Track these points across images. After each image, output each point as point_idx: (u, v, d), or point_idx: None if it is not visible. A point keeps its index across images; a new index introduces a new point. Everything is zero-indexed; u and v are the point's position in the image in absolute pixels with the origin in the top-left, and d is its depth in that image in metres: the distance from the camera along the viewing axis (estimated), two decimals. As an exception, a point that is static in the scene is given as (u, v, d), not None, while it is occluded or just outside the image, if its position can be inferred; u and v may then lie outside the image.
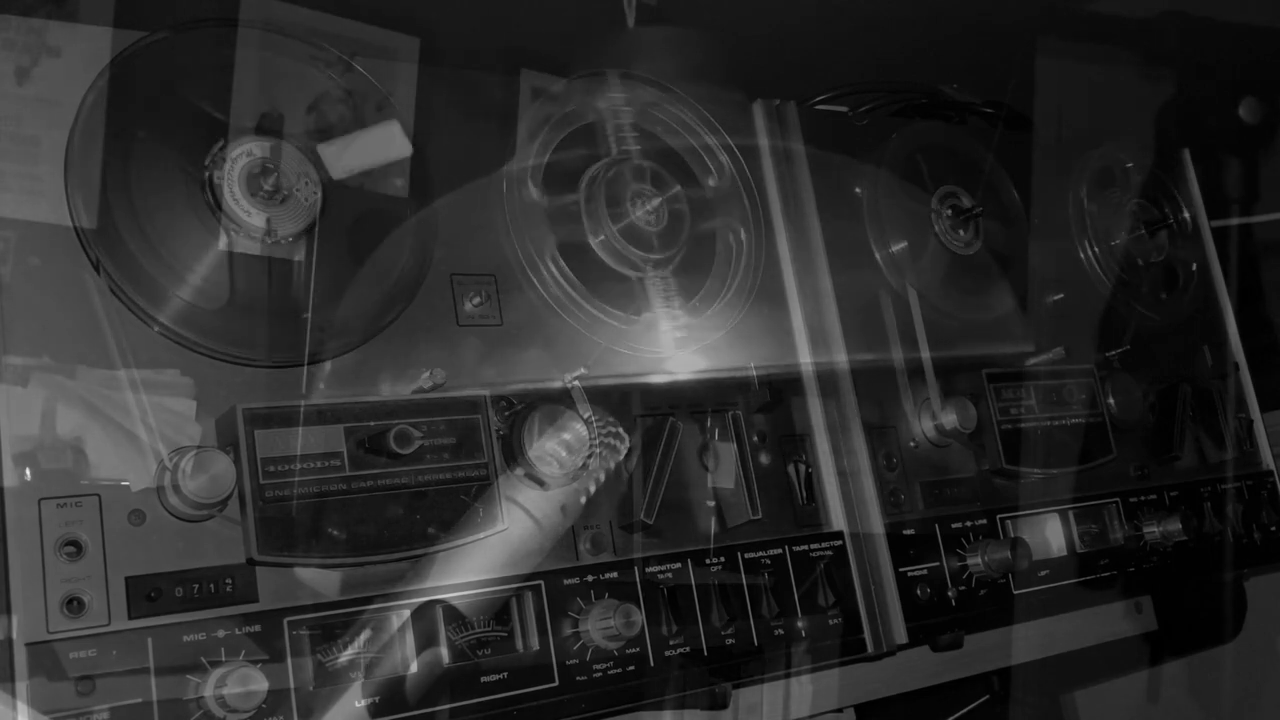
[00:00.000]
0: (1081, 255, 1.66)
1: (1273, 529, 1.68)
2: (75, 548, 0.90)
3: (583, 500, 1.12)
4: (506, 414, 1.09)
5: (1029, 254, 1.58)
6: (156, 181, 0.99)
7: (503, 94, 1.23)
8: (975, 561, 1.35)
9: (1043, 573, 1.42)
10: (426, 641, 0.99)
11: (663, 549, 1.15)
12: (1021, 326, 1.53)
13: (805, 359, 1.33)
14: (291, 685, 0.93)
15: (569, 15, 1.42)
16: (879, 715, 1.47)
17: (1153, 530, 1.53)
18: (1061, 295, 1.61)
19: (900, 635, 1.28)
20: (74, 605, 0.88)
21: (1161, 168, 1.81)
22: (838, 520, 1.29)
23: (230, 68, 1.05)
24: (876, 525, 1.30)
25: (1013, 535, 1.40)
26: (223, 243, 1.01)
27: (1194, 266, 1.79)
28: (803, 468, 1.28)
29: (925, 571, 1.32)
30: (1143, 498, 1.56)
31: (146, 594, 0.91)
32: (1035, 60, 1.67)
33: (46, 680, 0.85)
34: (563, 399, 1.12)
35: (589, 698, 1.07)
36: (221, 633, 0.92)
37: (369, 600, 0.99)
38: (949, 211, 1.51)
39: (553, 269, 1.19)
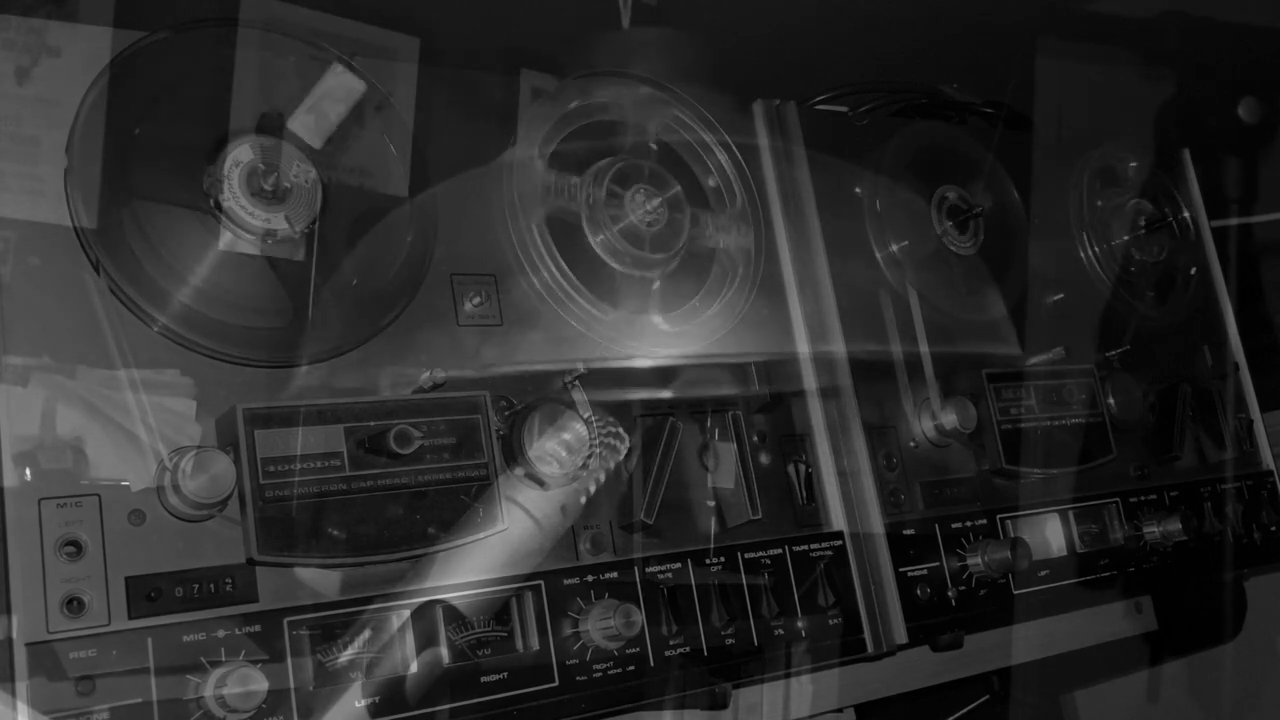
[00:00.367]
0: (1081, 255, 1.66)
1: (1273, 529, 1.68)
2: (75, 548, 0.90)
3: (583, 500, 1.12)
4: (506, 414, 1.09)
5: (1029, 254, 1.58)
6: (156, 181, 0.99)
7: (503, 94, 1.23)
8: (975, 561, 1.35)
9: (1043, 573, 1.42)
10: (426, 641, 0.99)
11: (663, 549, 1.15)
12: (1021, 326, 1.53)
13: (805, 358, 1.33)
14: (291, 685, 0.93)
15: (569, 15, 1.42)
16: (879, 715, 1.47)
17: (1153, 530, 1.53)
18: (1061, 295, 1.61)
19: (900, 635, 1.28)
20: (74, 605, 0.88)
21: (1161, 168, 1.81)
22: (838, 520, 1.29)
23: (230, 68, 1.05)
24: (876, 525, 1.30)
25: (1013, 535, 1.40)
26: (223, 243, 1.01)
27: (1194, 267, 1.79)
28: (803, 468, 1.28)
29: (925, 571, 1.32)
30: (1143, 498, 1.56)
31: (146, 594, 0.91)
32: (1035, 60, 1.67)
33: (46, 680, 0.85)
34: (563, 399, 1.12)
35: (589, 698, 1.07)
36: (221, 633, 0.92)
37: (369, 600, 0.99)
38: (949, 211, 1.51)
39: (552, 270, 1.19)
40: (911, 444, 1.38)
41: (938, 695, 1.51)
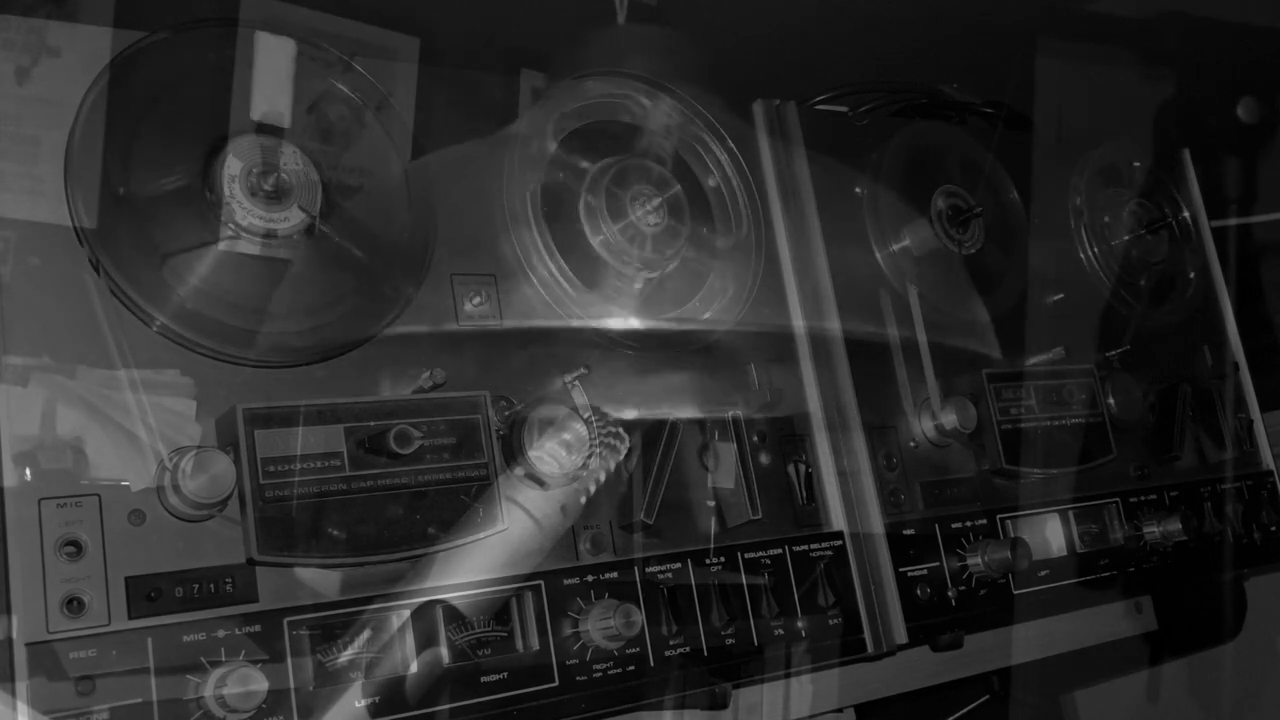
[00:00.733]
0: (1081, 255, 1.66)
1: (1273, 529, 1.68)
2: (75, 548, 0.90)
3: (583, 500, 1.12)
4: (506, 414, 1.09)
5: (1029, 254, 1.58)
6: (156, 182, 0.99)
7: (503, 94, 1.23)
8: (975, 561, 1.35)
9: (1043, 573, 1.42)
10: (426, 641, 0.99)
11: (663, 549, 1.15)
12: (1021, 326, 1.53)
13: (805, 358, 1.33)
14: (291, 685, 0.93)
15: (569, 15, 1.42)
16: (879, 715, 1.47)
17: (1153, 530, 1.53)
18: (1061, 295, 1.61)
19: (900, 635, 1.28)
20: (74, 605, 0.88)
21: (1161, 168, 1.81)
22: (838, 520, 1.29)
23: (230, 68, 1.05)
24: (876, 525, 1.30)
25: (1013, 535, 1.40)
26: (223, 243, 1.01)
27: (1194, 267, 1.79)
28: (803, 468, 1.28)
29: (925, 571, 1.32)
30: (1143, 498, 1.56)
31: (146, 594, 0.91)
32: (1035, 60, 1.67)
33: (46, 680, 0.85)
34: (563, 399, 1.12)
35: (589, 698, 1.07)
36: (221, 633, 0.92)
37: (369, 600, 0.99)
38: (949, 211, 1.51)
39: (550, 266, 1.19)
40: (911, 444, 1.38)
41: (938, 695, 1.51)
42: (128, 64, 1.00)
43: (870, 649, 1.25)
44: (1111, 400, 1.52)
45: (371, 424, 0.99)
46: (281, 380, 1.02)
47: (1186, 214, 1.82)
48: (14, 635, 0.86)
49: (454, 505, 1.01)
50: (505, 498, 1.05)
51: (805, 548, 1.24)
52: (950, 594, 1.33)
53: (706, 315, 1.28)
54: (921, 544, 1.33)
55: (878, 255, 1.44)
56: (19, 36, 0.97)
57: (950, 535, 1.35)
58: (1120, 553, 1.50)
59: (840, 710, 1.38)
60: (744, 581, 1.19)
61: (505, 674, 1.03)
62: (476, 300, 1.14)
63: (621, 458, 1.14)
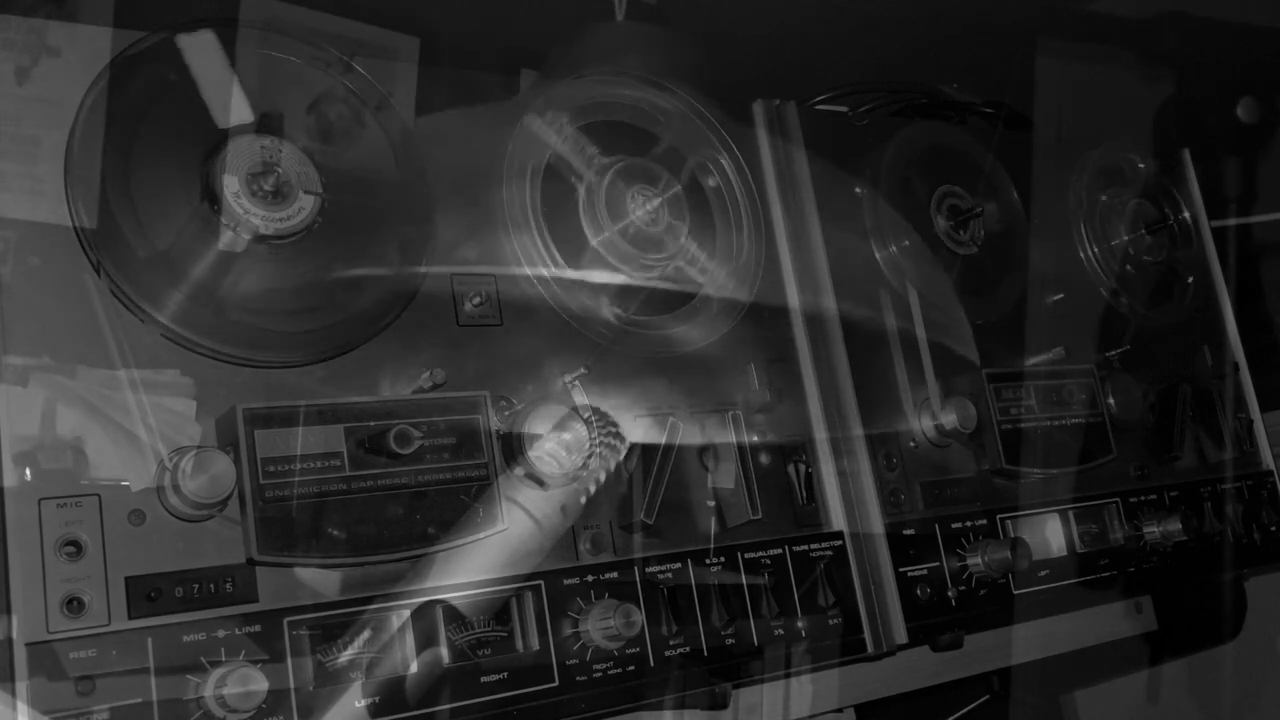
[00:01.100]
0: (1081, 255, 1.66)
1: (1273, 529, 1.68)
2: (75, 548, 0.90)
3: (583, 500, 1.12)
4: (506, 414, 1.09)
5: (1029, 254, 1.58)
6: (156, 181, 0.99)
7: (503, 94, 1.23)
8: (975, 561, 1.35)
9: (1043, 573, 1.42)
10: (426, 641, 0.99)
11: (663, 549, 1.15)
12: (1021, 326, 1.53)
13: (805, 357, 1.33)
14: (291, 685, 0.93)
15: (569, 15, 1.42)
16: (879, 715, 1.47)
17: (1153, 530, 1.53)
18: (1061, 295, 1.61)
19: (900, 635, 1.28)
20: (74, 605, 0.88)
21: (1161, 168, 1.81)
22: (838, 520, 1.29)
23: (230, 68, 1.05)
24: (876, 525, 1.30)
25: (1013, 535, 1.40)
26: (223, 243, 1.01)
27: (1194, 267, 1.79)
28: (803, 468, 1.28)
29: (925, 571, 1.32)
30: (1143, 498, 1.56)
31: (146, 594, 0.91)
32: (1035, 60, 1.67)
33: (46, 680, 0.85)
34: (563, 399, 1.12)
35: (589, 698, 1.07)
36: (221, 633, 0.92)
37: (369, 600, 0.99)
38: (949, 211, 1.51)
39: (550, 266, 1.19)
40: (911, 444, 1.38)
41: (938, 695, 1.51)
42: (128, 64, 1.00)
43: (870, 649, 1.25)
44: (1111, 400, 1.52)
45: (371, 424, 0.99)
46: (282, 380, 1.02)
47: (1186, 214, 1.82)
48: (14, 635, 0.86)
49: (454, 505, 1.01)
50: (505, 498, 1.05)
51: (805, 548, 1.24)
52: (950, 594, 1.33)
53: (707, 315, 1.28)
54: (921, 544, 1.33)
55: (878, 255, 1.44)
56: (19, 36, 0.97)
57: (950, 535, 1.35)
58: (1120, 553, 1.50)
59: (840, 710, 1.38)
60: (744, 581, 1.18)
61: (505, 674, 1.03)
62: (476, 300, 1.14)
63: (621, 458, 1.14)
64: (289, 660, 0.94)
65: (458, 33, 1.27)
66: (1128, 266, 1.69)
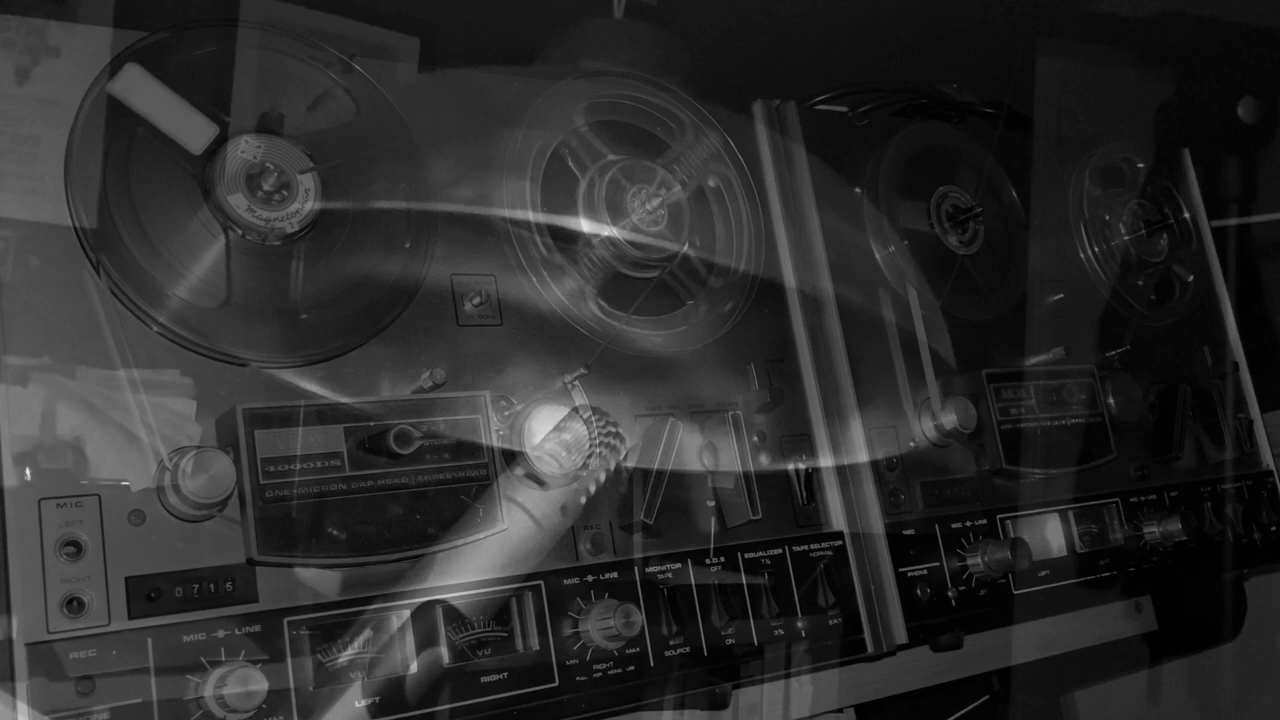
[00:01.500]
0: (1081, 255, 1.66)
1: (1273, 529, 1.68)
2: (75, 548, 0.90)
3: (583, 500, 1.12)
4: (506, 414, 1.09)
5: (1029, 254, 1.58)
6: (156, 181, 0.99)
7: (503, 94, 1.23)
8: (975, 561, 1.35)
9: (1043, 573, 1.42)
10: (426, 641, 0.99)
11: (663, 549, 1.15)
12: (1021, 326, 1.53)
13: (805, 357, 1.33)
14: (291, 685, 0.93)
15: (570, 16, 1.42)
16: (879, 715, 1.47)
17: (1153, 530, 1.53)
18: (1061, 295, 1.61)
19: (900, 635, 1.28)
20: (74, 605, 0.88)
21: (1161, 168, 1.81)
22: (838, 520, 1.29)
23: (230, 68, 1.05)
24: (876, 525, 1.30)
25: (1013, 535, 1.40)
26: (223, 242, 1.01)
27: (1194, 267, 1.79)
28: (802, 468, 1.28)
29: (925, 571, 1.32)
30: (1143, 498, 1.56)
31: (146, 594, 0.91)
32: (1035, 60, 1.67)
33: (46, 680, 0.85)
34: (563, 399, 1.12)
35: (589, 698, 1.07)
36: (221, 633, 0.92)
37: (369, 600, 0.99)
38: (949, 211, 1.51)
39: (550, 266, 1.19)
40: (911, 444, 1.38)
41: (938, 695, 1.51)
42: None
43: (870, 649, 1.25)
44: (1111, 400, 1.52)
45: (371, 424, 0.99)
46: (281, 380, 1.02)
47: (1186, 214, 1.82)
48: (14, 635, 0.86)
49: (454, 505, 1.01)
50: (505, 498, 1.05)
51: (805, 548, 1.24)
52: (950, 594, 1.33)
53: (706, 315, 1.28)
54: (921, 544, 1.33)
55: (877, 255, 1.44)
56: (19, 36, 0.97)
57: (950, 535, 1.35)
58: (1120, 553, 1.50)
59: (840, 710, 1.38)
60: (744, 581, 1.18)
61: (505, 674, 1.03)
62: (476, 300, 1.14)
63: (621, 458, 1.14)
64: (289, 660, 0.94)
65: (458, 33, 1.27)
66: (1128, 266, 1.69)
